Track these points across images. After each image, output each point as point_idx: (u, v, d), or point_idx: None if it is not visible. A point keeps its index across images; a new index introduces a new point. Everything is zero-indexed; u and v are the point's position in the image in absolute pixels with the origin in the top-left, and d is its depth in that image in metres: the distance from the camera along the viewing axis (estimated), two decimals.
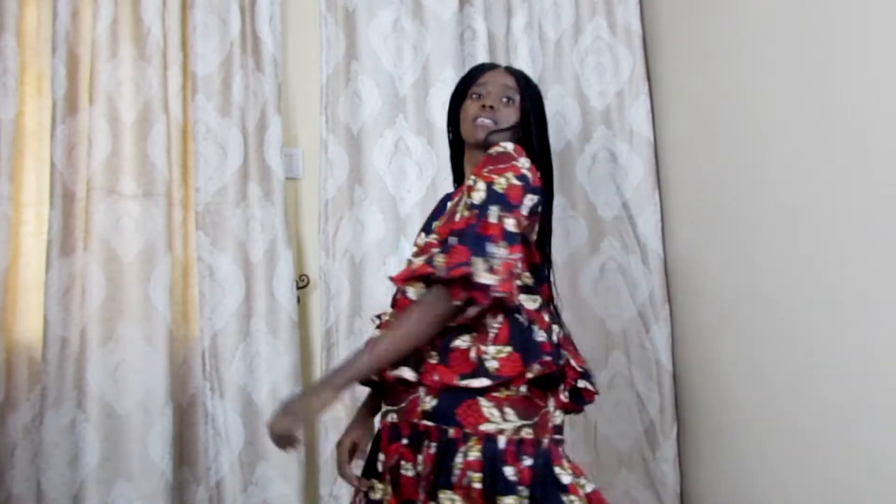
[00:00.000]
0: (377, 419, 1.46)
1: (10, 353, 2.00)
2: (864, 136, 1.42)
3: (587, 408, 2.13)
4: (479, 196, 1.34)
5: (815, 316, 1.57)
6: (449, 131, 1.61)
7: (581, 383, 1.40)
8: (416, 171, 2.20)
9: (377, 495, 1.37)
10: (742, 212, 1.84)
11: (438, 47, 2.22)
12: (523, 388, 1.31)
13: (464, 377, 1.29)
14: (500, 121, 1.50)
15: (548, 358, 1.31)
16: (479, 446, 1.28)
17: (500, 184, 1.35)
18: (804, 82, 1.59)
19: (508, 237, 1.30)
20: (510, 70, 1.58)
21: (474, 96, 1.53)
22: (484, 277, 1.25)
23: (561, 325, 1.48)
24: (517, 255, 1.31)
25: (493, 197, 1.34)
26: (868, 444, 1.43)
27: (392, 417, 1.38)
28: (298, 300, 2.16)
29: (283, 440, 1.27)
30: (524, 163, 1.40)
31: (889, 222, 1.36)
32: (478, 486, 1.25)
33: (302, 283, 2.20)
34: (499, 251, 1.28)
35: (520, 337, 1.31)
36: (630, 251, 2.25)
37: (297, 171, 2.26)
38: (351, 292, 2.13)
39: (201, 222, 2.07)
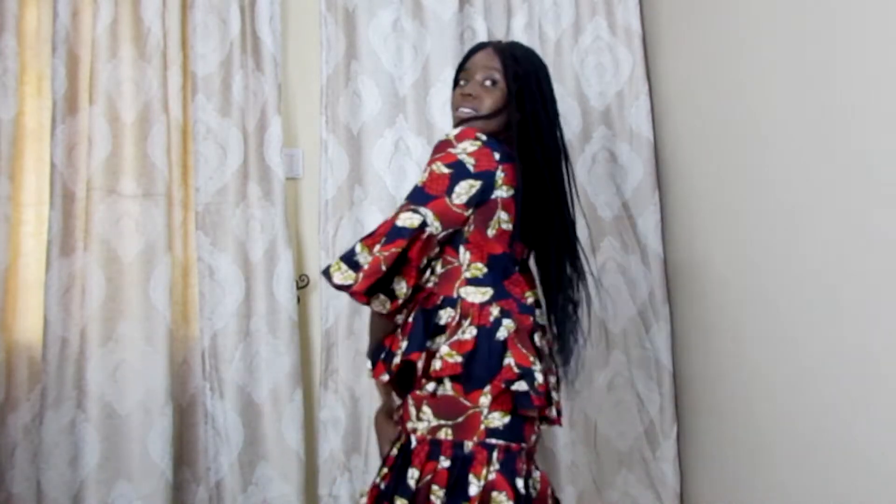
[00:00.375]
0: None
1: (10, 353, 2.00)
2: (864, 136, 1.42)
3: (587, 408, 2.17)
4: None
5: (815, 316, 1.57)
6: None
7: (518, 385, 1.27)
8: (416, 172, 2.19)
9: None
10: (742, 212, 1.84)
11: (438, 47, 2.22)
12: (436, 386, 1.28)
13: (385, 373, 1.32)
14: (480, 108, 1.42)
15: (456, 359, 1.27)
16: (399, 444, 1.32)
17: (423, 176, 1.33)
18: (804, 82, 1.59)
19: (390, 233, 1.27)
20: (497, 48, 1.47)
21: (461, 83, 1.47)
22: (339, 278, 1.27)
23: (534, 322, 1.40)
24: (392, 251, 1.25)
25: (410, 191, 1.34)
26: (868, 444, 1.42)
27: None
28: (298, 300, 2.16)
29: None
30: (465, 147, 1.32)
31: (889, 222, 1.36)
32: (380, 482, 1.32)
33: (302, 283, 2.20)
34: (373, 249, 1.27)
35: (410, 332, 1.32)
36: (630, 251, 2.24)
37: (297, 171, 2.26)
38: None
39: (201, 222, 2.07)
